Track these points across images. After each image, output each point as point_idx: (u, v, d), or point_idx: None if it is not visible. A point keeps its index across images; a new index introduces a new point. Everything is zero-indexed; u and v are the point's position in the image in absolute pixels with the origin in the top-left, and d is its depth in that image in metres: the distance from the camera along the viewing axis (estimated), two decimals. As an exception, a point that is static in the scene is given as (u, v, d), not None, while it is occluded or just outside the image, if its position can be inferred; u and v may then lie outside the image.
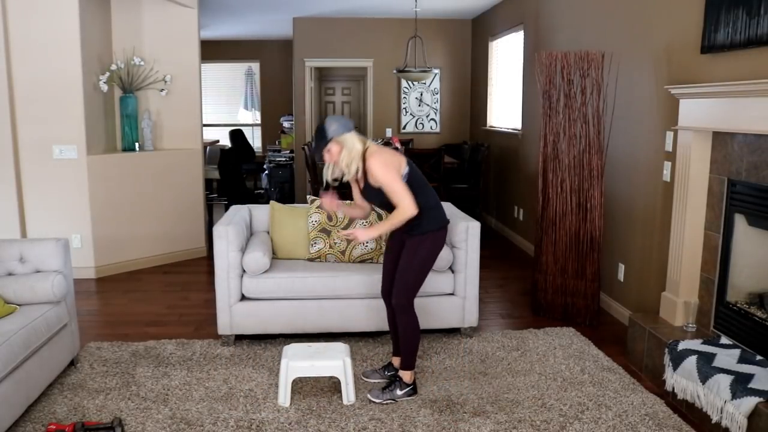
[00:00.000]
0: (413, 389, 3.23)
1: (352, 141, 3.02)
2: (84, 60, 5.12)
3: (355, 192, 3.27)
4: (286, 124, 10.87)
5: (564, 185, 4.31)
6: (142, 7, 5.86)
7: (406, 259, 3.13)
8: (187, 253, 6.07)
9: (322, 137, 3.02)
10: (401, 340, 3.23)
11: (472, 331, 4.05)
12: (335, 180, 3.14)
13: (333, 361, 3.14)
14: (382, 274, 3.36)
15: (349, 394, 3.15)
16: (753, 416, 2.58)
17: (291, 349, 3.23)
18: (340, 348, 3.25)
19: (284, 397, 3.12)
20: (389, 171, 2.99)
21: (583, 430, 2.92)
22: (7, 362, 2.71)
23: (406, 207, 2.97)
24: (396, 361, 3.40)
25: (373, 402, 3.14)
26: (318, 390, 3.28)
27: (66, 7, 4.99)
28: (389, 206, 3.11)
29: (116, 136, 5.87)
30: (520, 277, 5.46)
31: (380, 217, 3.99)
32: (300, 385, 3.31)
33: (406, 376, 3.22)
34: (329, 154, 3.04)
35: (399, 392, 3.18)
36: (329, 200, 3.18)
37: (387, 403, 3.14)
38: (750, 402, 2.60)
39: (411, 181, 3.04)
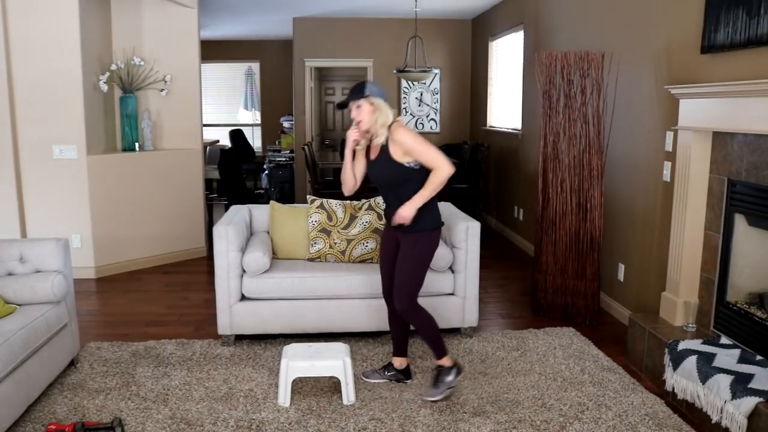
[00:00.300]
0: (458, 368, 3.24)
1: (386, 108, 3.03)
2: (84, 60, 5.12)
3: (360, 165, 3.21)
4: (286, 124, 10.88)
5: (564, 185, 4.31)
6: (142, 7, 5.86)
7: (403, 260, 3.11)
8: (187, 253, 6.07)
9: (359, 91, 3.01)
10: (422, 338, 3.23)
11: (472, 331, 4.05)
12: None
13: (333, 361, 3.14)
14: (381, 274, 3.34)
15: (349, 394, 3.14)
16: (753, 416, 2.58)
17: (291, 349, 3.23)
18: (340, 348, 3.25)
19: (284, 397, 3.12)
20: (418, 137, 3.01)
21: (583, 430, 2.92)
22: (7, 362, 2.71)
23: (444, 166, 2.96)
24: (396, 362, 3.40)
25: (433, 401, 3.13)
26: (318, 390, 3.28)
27: (66, 7, 4.99)
28: (393, 188, 3.08)
29: (116, 136, 5.87)
30: (520, 277, 5.46)
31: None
32: (300, 385, 3.31)
33: (445, 361, 3.22)
34: (358, 110, 3.02)
35: (450, 378, 3.18)
36: (358, 135, 3.07)
37: (447, 394, 3.15)
38: (750, 402, 2.60)
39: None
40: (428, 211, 3.09)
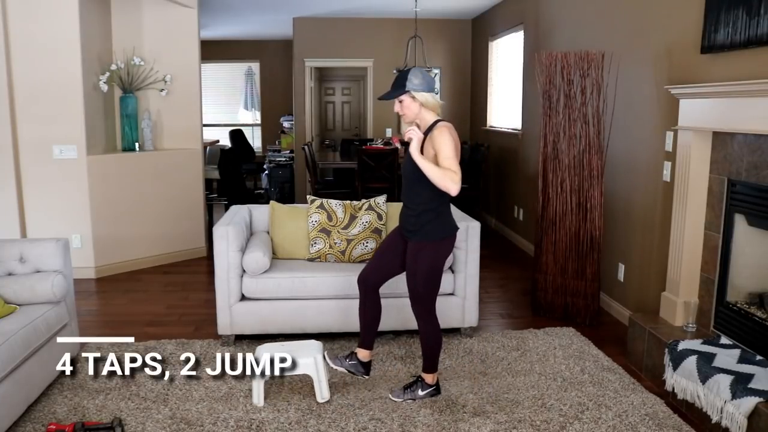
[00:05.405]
0: (437, 389, 3.22)
1: (432, 101, 2.88)
2: (84, 60, 5.12)
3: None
4: (286, 124, 10.88)
5: (564, 185, 4.31)
6: (142, 7, 5.86)
7: (411, 267, 3.06)
8: (187, 253, 6.06)
9: (400, 84, 2.87)
10: (422, 345, 3.17)
11: (472, 331, 4.05)
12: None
13: (305, 359, 3.07)
14: (372, 261, 3.27)
15: (322, 391, 3.12)
16: (753, 416, 2.59)
17: (263, 349, 3.18)
18: (313, 345, 3.21)
19: (258, 397, 3.10)
20: (453, 145, 2.82)
21: (583, 430, 2.92)
22: (7, 362, 2.71)
23: (453, 179, 2.76)
24: (361, 353, 3.25)
25: (394, 401, 3.11)
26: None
27: (66, 7, 4.98)
28: (411, 184, 2.96)
29: (116, 136, 5.86)
30: (520, 277, 5.46)
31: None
32: (300, 385, 3.30)
33: (428, 378, 3.20)
34: (400, 105, 2.92)
35: (421, 393, 3.17)
36: (415, 135, 2.90)
37: (407, 402, 3.12)
38: (750, 402, 2.60)
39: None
40: (435, 218, 2.98)
